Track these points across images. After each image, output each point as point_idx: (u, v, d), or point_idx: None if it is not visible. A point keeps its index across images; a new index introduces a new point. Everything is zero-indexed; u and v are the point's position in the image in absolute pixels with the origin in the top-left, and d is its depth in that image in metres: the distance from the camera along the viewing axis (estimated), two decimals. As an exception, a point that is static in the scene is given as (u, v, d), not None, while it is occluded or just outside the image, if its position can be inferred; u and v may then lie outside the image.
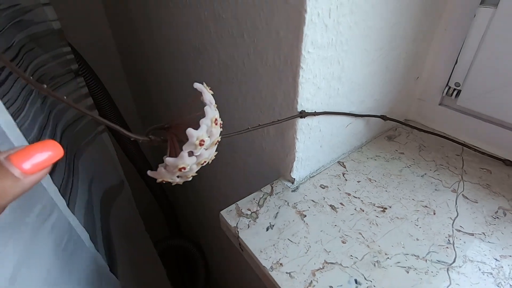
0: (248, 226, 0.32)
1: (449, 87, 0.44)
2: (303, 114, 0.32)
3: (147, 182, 0.97)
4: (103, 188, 0.65)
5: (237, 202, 0.35)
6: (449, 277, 0.27)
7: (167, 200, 1.07)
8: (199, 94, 0.22)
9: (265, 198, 0.36)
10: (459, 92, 0.43)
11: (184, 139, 0.20)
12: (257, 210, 0.34)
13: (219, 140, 0.22)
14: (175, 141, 0.21)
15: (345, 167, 0.40)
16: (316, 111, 0.34)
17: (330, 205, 0.35)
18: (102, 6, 0.81)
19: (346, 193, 0.36)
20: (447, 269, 0.28)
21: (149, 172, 0.21)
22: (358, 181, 0.38)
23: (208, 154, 0.22)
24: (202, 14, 0.40)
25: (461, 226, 0.32)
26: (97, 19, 0.82)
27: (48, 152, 0.16)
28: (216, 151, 0.23)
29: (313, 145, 0.37)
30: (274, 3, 0.29)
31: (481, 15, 0.37)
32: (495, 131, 0.41)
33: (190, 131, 0.19)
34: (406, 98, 0.48)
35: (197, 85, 0.22)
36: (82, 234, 0.41)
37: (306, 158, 0.37)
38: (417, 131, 0.47)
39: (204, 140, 0.20)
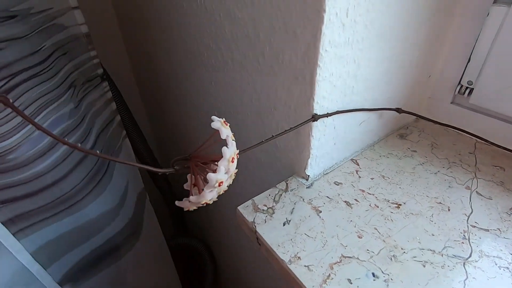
0: (265, 221, 0.33)
1: (461, 86, 0.44)
2: (315, 118, 0.33)
3: (155, 181, 0.98)
4: (137, 192, 0.66)
5: (253, 198, 0.36)
6: (466, 271, 0.27)
7: (175, 198, 1.08)
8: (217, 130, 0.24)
9: (281, 195, 0.37)
10: (471, 90, 0.43)
11: (204, 166, 0.24)
12: (273, 206, 0.35)
13: (237, 171, 0.25)
14: (196, 171, 0.24)
15: (358, 165, 0.41)
16: (330, 110, 0.34)
17: (345, 201, 0.35)
18: (113, 10, 0.82)
19: (360, 189, 0.37)
20: (464, 264, 0.28)
21: (177, 203, 0.25)
22: (372, 178, 0.39)
23: (226, 184, 0.25)
24: (217, 15, 0.41)
25: (476, 222, 0.32)
26: (108, 21, 0.83)
27: None
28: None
29: (328, 143, 0.38)
30: (292, 2, 0.29)
31: (495, 13, 0.37)
32: (509, 129, 0.41)
33: (210, 175, 0.22)
34: (417, 97, 0.48)
35: (214, 125, 0.24)
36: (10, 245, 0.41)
37: (320, 155, 0.38)
38: (429, 129, 0.47)
39: (222, 181, 0.23)
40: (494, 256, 0.29)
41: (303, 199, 0.36)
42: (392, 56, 0.37)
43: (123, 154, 0.63)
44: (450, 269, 0.28)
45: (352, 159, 0.42)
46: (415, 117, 0.51)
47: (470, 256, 0.29)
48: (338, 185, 0.38)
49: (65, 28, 0.48)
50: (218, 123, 0.24)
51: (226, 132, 0.24)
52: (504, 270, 0.27)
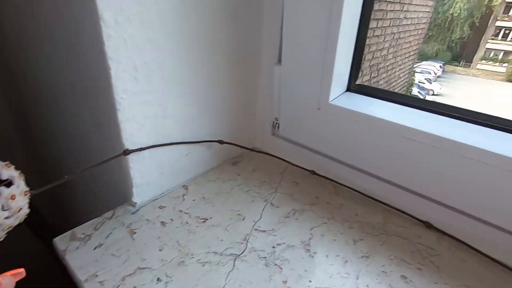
0: (77, 248, 0.36)
1: (273, 121, 0.57)
2: (126, 152, 0.39)
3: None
4: None
5: (74, 229, 0.39)
6: (234, 264, 0.35)
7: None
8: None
9: (104, 222, 0.40)
10: (279, 124, 0.56)
11: None
12: (91, 233, 0.39)
13: (22, 207, 0.28)
14: None
15: (187, 190, 0.48)
16: (144, 145, 0.41)
17: (161, 222, 0.41)
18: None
19: (179, 210, 0.44)
20: (235, 259, 0.36)
21: None
22: (194, 200, 0.46)
23: (11, 221, 0.28)
24: (66, 76, 0.46)
25: (259, 226, 0.41)
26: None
27: None
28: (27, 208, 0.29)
29: (151, 173, 0.44)
30: (93, 64, 0.36)
31: (276, 70, 0.51)
32: (304, 152, 0.54)
33: None
34: (249, 130, 0.59)
35: None
36: None
37: (146, 184, 0.44)
38: (257, 156, 0.58)
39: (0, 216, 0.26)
40: (259, 250, 0.37)
41: (124, 224, 0.40)
42: (197, 99, 0.46)
43: None
44: (223, 265, 0.35)
45: (183, 185, 0.49)
46: (251, 146, 0.62)
47: (242, 252, 0.37)
48: (161, 208, 0.44)
49: None
50: None
51: (7, 173, 0.28)
52: (261, 259, 0.36)
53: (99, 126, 0.42)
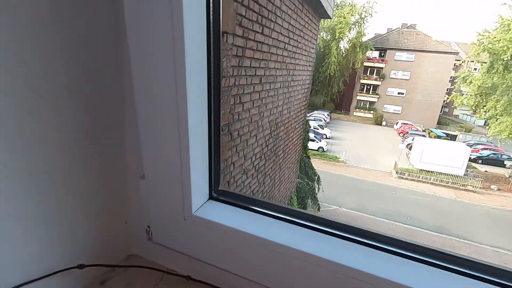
0: None
1: (147, 229, 0.56)
2: None
3: None
4: None
5: None
6: None
7: None
8: None
9: None
10: (151, 231, 0.55)
11: None
12: None
13: None
14: None
15: None
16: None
17: None
18: None
19: None
20: None
21: None
22: None
23: None
24: None
25: None
26: None
27: None
28: None
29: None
30: None
31: (141, 183, 0.52)
32: (176, 257, 0.54)
33: None
34: (123, 238, 0.56)
35: None
36: None
37: None
38: (133, 269, 0.55)
39: None
40: None
41: None
42: (49, 232, 0.42)
43: None
44: None
45: (28, 334, 0.41)
46: (127, 254, 0.58)
47: None
48: None
49: None
50: None
51: None
52: None
53: None
